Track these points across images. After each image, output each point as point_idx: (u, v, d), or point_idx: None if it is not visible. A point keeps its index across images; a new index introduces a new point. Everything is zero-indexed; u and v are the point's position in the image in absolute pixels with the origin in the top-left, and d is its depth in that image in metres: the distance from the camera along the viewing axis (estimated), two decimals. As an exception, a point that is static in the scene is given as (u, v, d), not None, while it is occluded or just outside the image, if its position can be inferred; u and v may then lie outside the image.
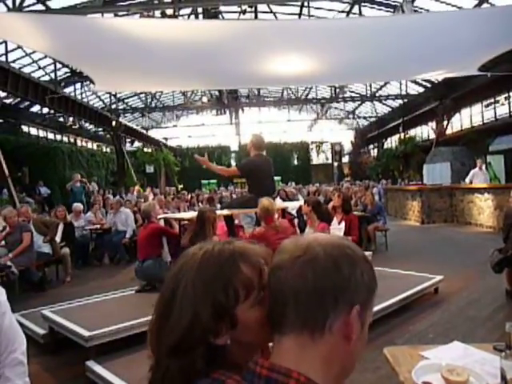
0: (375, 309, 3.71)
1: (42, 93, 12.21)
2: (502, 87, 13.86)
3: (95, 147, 25.60)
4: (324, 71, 6.99)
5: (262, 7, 11.45)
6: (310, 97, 22.74)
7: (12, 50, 12.06)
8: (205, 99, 20.66)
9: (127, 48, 5.57)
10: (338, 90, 20.34)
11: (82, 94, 16.98)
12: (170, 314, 0.69)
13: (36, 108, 18.41)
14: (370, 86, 19.65)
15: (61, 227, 6.44)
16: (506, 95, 14.75)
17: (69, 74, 15.75)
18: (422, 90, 18.84)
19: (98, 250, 7.69)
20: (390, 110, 24.17)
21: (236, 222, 5.67)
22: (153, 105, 22.18)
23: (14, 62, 12.42)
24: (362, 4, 11.34)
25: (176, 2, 8.05)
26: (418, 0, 10.58)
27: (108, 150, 25.28)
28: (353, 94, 22.05)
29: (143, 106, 21.91)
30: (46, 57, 12.33)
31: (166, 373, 0.67)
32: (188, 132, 29.41)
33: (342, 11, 12.58)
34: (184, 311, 0.68)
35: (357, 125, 30.10)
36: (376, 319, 3.47)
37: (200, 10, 9.77)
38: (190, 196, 13.46)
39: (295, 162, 29.42)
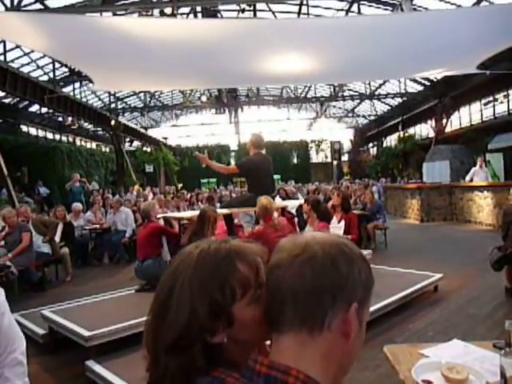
0: (375, 307, 3.71)
1: (41, 92, 12.17)
2: (501, 85, 13.87)
3: (94, 147, 25.61)
4: (323, 70, 6.97)
5: (260, 6, 11.44)
6: (309, 95, 22.74)
7: (10, 50, 12.07)
8: (204, 98, 20.64)
9: (126, 47, 5.54)
10: (337, 89, 20.36)
11: (80, 93, 16.96)
12: (167, 312, 0.69)
13: (35, 108, 18.40)
14: (370, 84, 19.63)
15: (60, 227, 6.42)
16: (505, 93, 14.77)
17: (67, 74, 15.74)
18: (421, 88, 18.84)
19: (98, 250, 7.68)
20: (390, 108, 24.17)
21: (236, 221, 5.67)
22: (152, 104, 22.20)
23: (12, 61, 12.42)
24: (361, 2, 11.35)
25: (175, 0, 8.04)
26: (417, -2, 10.60)
27: (107, 149, 25.29)
28: (352, 93, 22.06)
29: (142, 105, 21.92)
30: (44, 56, 12.31)
31: (165, 371, 0.67)
32: (187, 131, 29.40)
33: (341, 9, 12.59)
34: (181, 310, 0.67)
35: (356, 123, 30.13)
36: (376, 317, 3.47)
37: (199, 8, 9.78)
38: (189, 195, 13.43)
39: (295, 161, 29.45)
